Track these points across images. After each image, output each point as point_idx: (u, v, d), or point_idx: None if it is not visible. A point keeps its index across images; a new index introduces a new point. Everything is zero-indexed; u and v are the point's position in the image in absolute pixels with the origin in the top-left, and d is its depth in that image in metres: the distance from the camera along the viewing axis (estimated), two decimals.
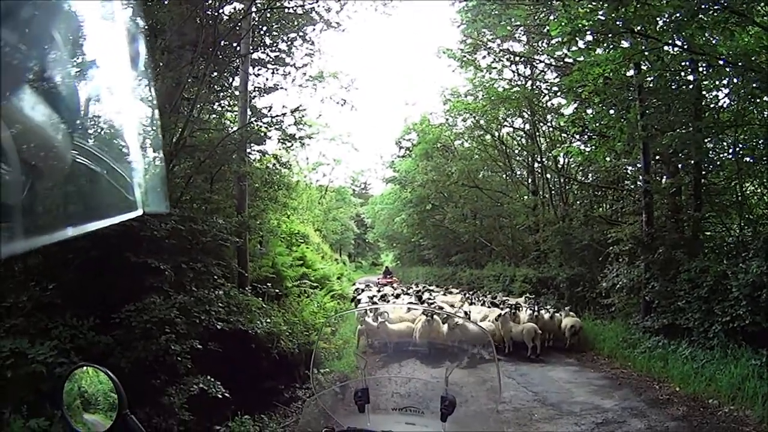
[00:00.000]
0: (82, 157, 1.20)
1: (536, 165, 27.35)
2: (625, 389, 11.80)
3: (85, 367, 2.40)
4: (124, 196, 1.30)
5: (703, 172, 15.97)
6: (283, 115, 14.70)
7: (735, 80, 14.01)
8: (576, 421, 9.62)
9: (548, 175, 26.67)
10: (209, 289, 10.26)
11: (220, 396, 8.55)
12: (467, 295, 21.07)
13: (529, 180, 28.43)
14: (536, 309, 15.99)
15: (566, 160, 25.82)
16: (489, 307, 17.88)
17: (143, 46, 1.31)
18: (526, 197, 28.01)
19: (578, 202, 25.30)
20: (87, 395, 2.33)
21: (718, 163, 16.33)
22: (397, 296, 20.86)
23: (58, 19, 1.02)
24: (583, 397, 11.18)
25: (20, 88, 0.91)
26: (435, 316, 13.29)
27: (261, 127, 14.36)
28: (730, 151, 15.75)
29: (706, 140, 15.09)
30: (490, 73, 25.88)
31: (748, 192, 16.41)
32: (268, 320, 11.84)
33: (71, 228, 1.13)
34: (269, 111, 15.41)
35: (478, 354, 3.96)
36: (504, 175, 31.23)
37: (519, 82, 26.10)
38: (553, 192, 26.34)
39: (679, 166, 16.72)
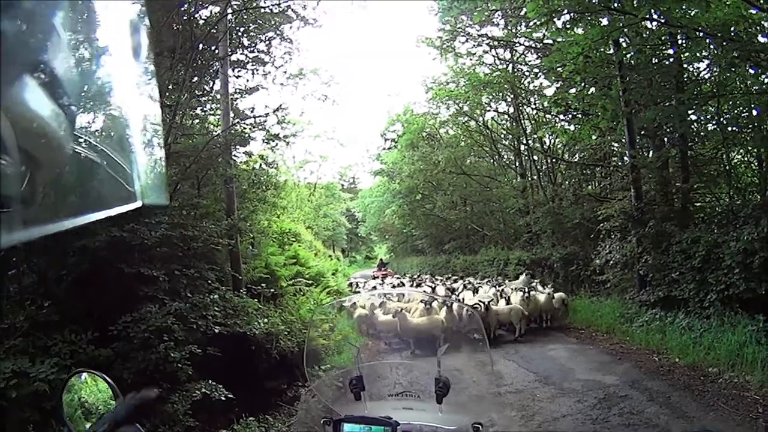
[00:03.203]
0: (82, 148, 1.20)
1: (522, 147, 27.36)
2: (626, 363, 11.89)
3: (83, 374, 2.39)
4: (123, 187, 1.29)
5: (689, 144, 16.07)
6: (266, 115, 14.71)
7: (715, 51, 14.04)
8: (579, 398, 9.68)
9: (535, 157, 26.68)
10: (204, 294, 10.25)
11: (223, 399, 8.55)
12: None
13: (517, 163, 28.45)
14: (527, 291, 16.05)
15: (552, 141, 25.91)
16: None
17: (145, 36, 1.30)
18: (514, 180, 28.09)
19: (567, 182, 25.34)
20: (88, 404, 2.33)
21: (703, 133, 16.43)
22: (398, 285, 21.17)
23: (59, 6, 1.01)
24: (585, 374, 11.24)
25: (20, 78, 0.91)
26: (434, 303, 13.38)
27: (244, 128, 14.33)
28: (715, 121, 15.83)
29: (689, 112, 15.14)
30: (470, 59, 25.95)
31: (735, 161, 16.51)
32: (266, 321, 11.84)
33: (71, 219, 1.14)
34: (252, 112, 15.42)
35: (471, 337, 3.98)
36: (491, 160, 31.15)
37: (500, 66, 26.13)
38: (541, 173, 26.31)
39: (665, 139, 16.80)
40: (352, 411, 3.02)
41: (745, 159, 16.75)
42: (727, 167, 15.77)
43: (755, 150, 15.27)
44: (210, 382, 8.65)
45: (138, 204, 1.33)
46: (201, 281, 10.66)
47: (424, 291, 18.18)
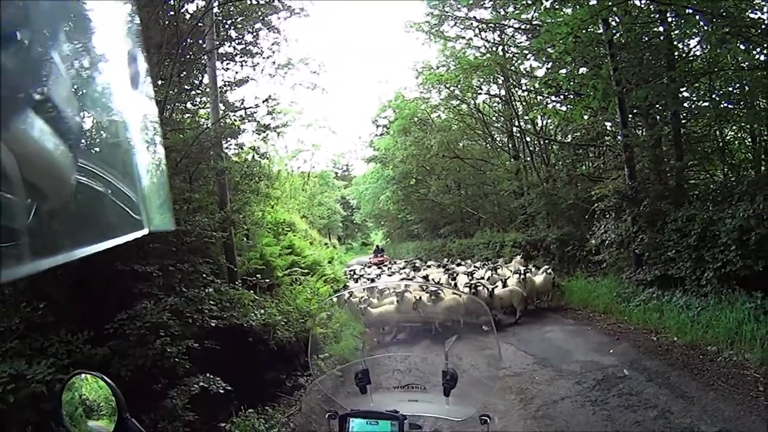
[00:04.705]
0: (85, 178, 1.20)
1: (515, 129, 27.47)
2: (624, 343, 11.97)
3: (82, 375, 2.38)
4: (129, 216, 1.30)
5: (682, 121, 16.03)
6: (256, 106, 14.67)
7: (705, 27, 14.00)
8: (577, 380, 9.78)
9: (528, 139, 26.83)
10: (199, 287, 10.20)
11: (221, 391, 8.52)
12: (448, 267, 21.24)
13: (510, 145, 28.51)
14: (524, 273, 16.14)
15: (544, 122, 25.95)
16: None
17: (142, 59, 1.29)
18: (507, 162, 28.10)
19: (560, 162, 25.37)
20: (88, 402, 2.31)
21: (696, 111, 16.40)
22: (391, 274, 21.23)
23: (57, 39, 1.03)
24: (583, 355, 11.34)
25: (21, 111, 0.92)
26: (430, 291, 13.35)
27: (235, 120, 14.29)
28: (707, 98, 15.83)
29: (681, 89, 15.14)
30: (459, 43, 25.89)
31: (728, 137, 16.52)
32: (262, 312, 11.77)
33: (78, 249, 1.15)
34: (242, 104, 15.34)
35: (477, 325, 3.95)
36: (484, 143, 31.31)
37: (490, 49, 26.03)
38: (534, 155, 26.47)
39: (657, 117, 16.78)
40: (358, 404, 3.01)
41: (739, 135, 16.77)
42: (721, 144, 15.82)
43: (748, 126, 15.29)
44: (208, 375, 8.62)
45: (145, 231, 1.34)
46: (196, 275, 10.62)
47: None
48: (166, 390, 8.06)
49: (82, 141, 1.21)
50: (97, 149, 1.42)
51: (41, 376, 6.38)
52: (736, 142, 16.90)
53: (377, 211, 39.18)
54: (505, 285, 15.52)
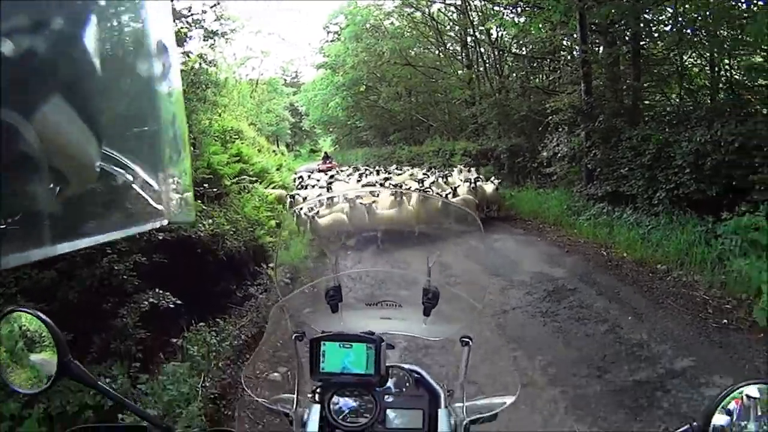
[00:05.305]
0: (109, 165, 1.12)
1: (469, 39, 27.15)
2: (574, 256, 12.08)
3: (15, 313, 2.17)
4: (150, 205, 1.23)
5: (641, 43, 15.90)
6: (203, 12, 14.12)
7: None
8: (528, 290, 9.81)
9: (482, 49, 26.57)
10: None
11: (171, 306, 8.36)
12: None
13: (463, 54, 28.33)
14: (473, 181, 16.26)
15: (500, 33, 25.63)
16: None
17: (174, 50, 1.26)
18: (460, 71, 28.04)
19: (514, 74, 25.42)
20: (29, 333, 2.12)
21: (656, 34, 16.27)
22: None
23: (89, 26, 0.97)
24: (533, 266, 11.37)
25: (49, 97, 0.88)
26: (404, 197, 13.17)
27: (181, 28, 13.70)
28: (671, 23, 15.67)
29: (645, 11, 14.94)
30: None
31: (687, 63, 16.46)
32: (210, 221, 11.53)
33: (96, 236, 1.12)
34: (189, 11, 14.72)
35: (462, 239, 3.74)
36: (437, 51, 31.17)
37: None
38: (487, 65, 26.30)
39: (616, 37, 16.62)
40: (328, 325, 2.74)
41: (698, 62, 16.72)
42: (679, 69, 15.74)
43: (708, 54, 15.22)
44: (157, 290, 8.44)
45: (164, 222, 1.29)
46: None
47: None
48: (116, 309, 7.85)
49: (109, 128, 1.12)
50: (124, 136, 1.26)
51: None
52: (695, 69, 16.85)
53: (326, 118, 38.97)
54: (455, 194, 15.40)
